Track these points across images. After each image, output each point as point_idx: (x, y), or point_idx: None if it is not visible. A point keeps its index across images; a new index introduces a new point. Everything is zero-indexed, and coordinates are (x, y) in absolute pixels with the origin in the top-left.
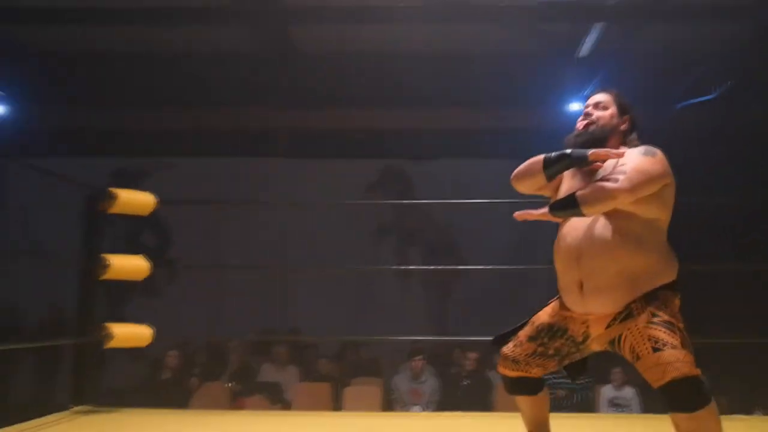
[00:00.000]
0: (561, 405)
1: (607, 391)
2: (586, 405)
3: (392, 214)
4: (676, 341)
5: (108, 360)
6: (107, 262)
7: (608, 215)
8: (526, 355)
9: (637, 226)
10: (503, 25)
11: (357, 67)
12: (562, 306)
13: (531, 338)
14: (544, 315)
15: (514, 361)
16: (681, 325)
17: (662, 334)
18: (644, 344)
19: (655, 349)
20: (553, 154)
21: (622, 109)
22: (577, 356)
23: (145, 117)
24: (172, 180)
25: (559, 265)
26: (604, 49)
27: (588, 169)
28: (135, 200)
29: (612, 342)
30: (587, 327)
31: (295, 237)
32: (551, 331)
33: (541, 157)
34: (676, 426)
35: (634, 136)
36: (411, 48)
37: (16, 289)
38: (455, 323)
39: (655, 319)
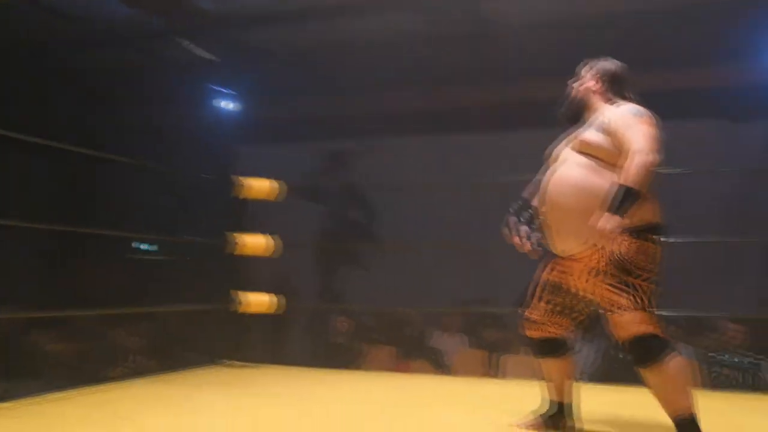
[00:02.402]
0: (728, 384)
1: None
2: (756, 385)
3: None
4: (626, 302)
5: (283, 324)
6: (236, 241)
7: (576, 163)
8: (540, 314)
9: (603, 173)
10: None
11: (555, 35)
12: (555, 260)
13: (539, 297)
14: (544, 272)
15: (533, 322)
16: (639, 281)
17: (618, 297)
18: (607, 306)
19: (613, 312)
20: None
21: (593, 72)
22: (585, 309)
23: (351, 103)
24: (379, 159)
25: (539, 208)
26: None
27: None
28: (262, 187)
29: (594, 295)
30: (574, 279)
31: (493, 208)
32: (551, 286)
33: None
34: (644, 380)
35: (610, 93)
36: (610, 8)
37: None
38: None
39: (613, 280)
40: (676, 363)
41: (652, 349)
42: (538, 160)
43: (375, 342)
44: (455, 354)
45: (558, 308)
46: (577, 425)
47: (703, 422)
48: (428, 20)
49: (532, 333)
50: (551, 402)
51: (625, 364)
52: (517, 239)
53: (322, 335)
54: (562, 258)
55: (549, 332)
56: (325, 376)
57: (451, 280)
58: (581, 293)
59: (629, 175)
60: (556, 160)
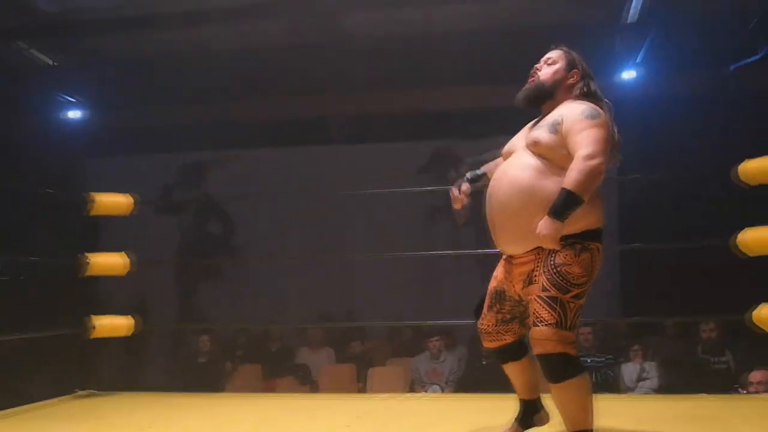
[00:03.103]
0: None
1: (629, 369)
2: (607, 385)
3: (444, 196)
4: (550, 318)
5: (142, 346)
6: (87, 260)
7: (524, 164)
8: (492, 324)
9: (551, 176)
10: None
11: (404, 50)
12: (500, 265)
13: (489, 307)
14: (492, 282)
15: (488, 333)
16: (567, 298)
17: (544, 311)
18: (531, 316)
19: (535, 324)
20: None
21: (571, 65)
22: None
23: (210, 112)
24: (236, 170)
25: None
26: (651, 14)
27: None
28: (114, 202)
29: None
30: (513, 284)
31: (353, 220)
32: (498, 295)
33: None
34: (552, 394)
35: (578, 88)
36: (457, 27)
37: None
38: None
39: (543, 294)
40: (582, 382)
41: (564, 368)
42: (397, 172)
43: (240, 360)
44: (322, 369)
45: (508, 316)
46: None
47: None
48: (284, 31)
49: (489, 344)
50: (522, 401)
51: (485, 371)
52: (455, 191)
53: (184, 356)
54: (506, 263)
55: (504, 340)
56: (189, 401)
57: (312, 293)
58: (521, 298)
59: (572, 180)
60: (510, 154)
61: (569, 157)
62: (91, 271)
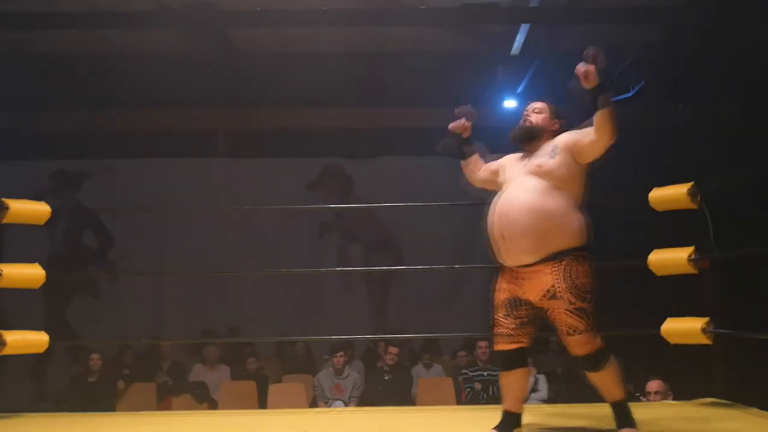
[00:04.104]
0: (478, 398)
1: None
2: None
3: (333, 212)
4: (582, 326)
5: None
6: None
7: (528, 188)
8: (513, 328)
9: (555, 196)
10: (438, 25)
11: (296, 67)
12: (504, 277)
13: (506, 315)
14: (498, 294)
15: (509, 335)
16: (589, 305)
17: (575, 321)
18: (564, 328)
19: (569, 334)
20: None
21: (554, 114)
22: (542, 316)
23: (86, 119)
24: (114, 181)
25: (489, 223)
26: (533, 48)
27: (527, 159)
28: (29, 210)
29: (546, 311)
30: (526, 293)
31: (237, 235)
32: (512, 303)
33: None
34: (590, 378)
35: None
36: (349, 48)
37: None
38: (397, 319)
39: (571, 307)
40: (614, 365)
41: (600, 359)
42: (286, 188)
43: (132, 379)
44: (219, 387)
45: (526, 320)
46: None
47: None
48: (175, 42)
49: (508, 345)
50: (509, 414)
51: (386, 385)
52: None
53: (70, 375)
54: (512, 275)
55: (522, 342)
56: (86, 420)
57: (195, 309)
58: (537, 304)
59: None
60: (507, 183)
61: (567, 177)
62: (2, 284)
